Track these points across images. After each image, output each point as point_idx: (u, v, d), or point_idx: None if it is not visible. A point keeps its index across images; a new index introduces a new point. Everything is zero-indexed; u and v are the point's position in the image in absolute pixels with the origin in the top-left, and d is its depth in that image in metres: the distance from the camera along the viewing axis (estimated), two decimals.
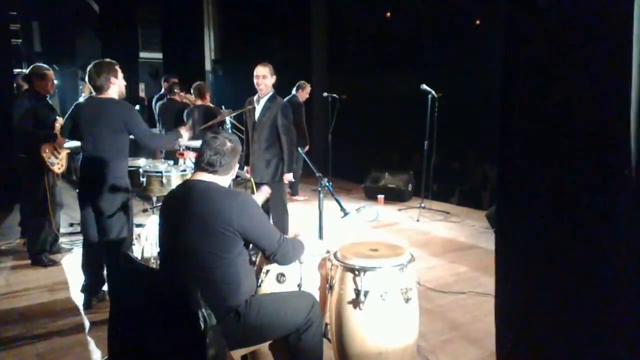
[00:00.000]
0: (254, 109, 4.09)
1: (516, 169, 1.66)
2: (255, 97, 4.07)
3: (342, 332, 2.26)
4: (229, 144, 2.07)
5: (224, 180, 2.10)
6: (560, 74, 1.48)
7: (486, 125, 6.51)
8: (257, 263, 2.40)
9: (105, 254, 3.23)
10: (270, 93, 4.05)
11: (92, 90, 3.17)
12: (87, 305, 3.34)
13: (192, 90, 5.50)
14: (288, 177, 4.16)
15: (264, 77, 3.95)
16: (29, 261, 4.24)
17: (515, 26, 1.61)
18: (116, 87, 3.17)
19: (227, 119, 4.22)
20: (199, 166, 2.07)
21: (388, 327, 2.20)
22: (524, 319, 1.69)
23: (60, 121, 4.13)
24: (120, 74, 3.21)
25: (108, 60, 3.23)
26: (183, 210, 1.97)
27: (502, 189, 1.75)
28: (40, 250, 4.21)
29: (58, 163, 4.14)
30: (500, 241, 1.80)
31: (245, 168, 4.29)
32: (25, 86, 4.21)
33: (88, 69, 3.15)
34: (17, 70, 6.47)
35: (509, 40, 1.63)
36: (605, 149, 1.37)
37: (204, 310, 1.46)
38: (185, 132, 3.42)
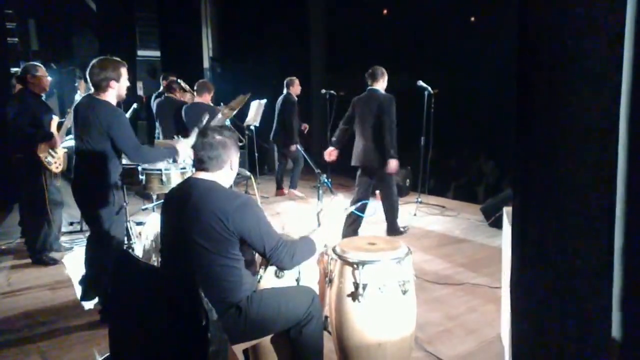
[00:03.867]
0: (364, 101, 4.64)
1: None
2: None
3: (341, 324, 2.30)
4: (217, 137, 2.03)
5: (223, 177, 2.08)
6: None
7: (481, 121, 6.58)
8: (256, 259, 2.43)
9: (90, 253, 3.22)
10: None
11: (91, 87, 3.01)
12: (84, 296, 3.35)
13: (195, 87, 5.50)
14: (392, 163, 4.55)
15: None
16: (29, 260, 4.26)
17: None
18: (115, 91, 3.00)
19: (224, 117, 4.24)
20: (195, 166, 2.09)
21: (386, 319, 2.24)
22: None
23: (56, 120, 4.13)
24: (124, 76, 3.02)
25: (115, 59, 3.02)
26: (184, 209, 1.97)
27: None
28: (41, 249, 4.23)
29: (55, 162, 4.13)
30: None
31: (330, 149, 4.74)
32: (19, 86, 4.18)
33: (92, 63, 2.97)
34: (13, 70, 6.48)
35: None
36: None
37: (205, 305, 1.48)
38: (182, 148, 3.28)
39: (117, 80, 2.98)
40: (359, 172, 4.76)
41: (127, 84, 3.09)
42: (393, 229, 4.91)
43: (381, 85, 4.66)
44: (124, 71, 3.02)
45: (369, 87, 4.67)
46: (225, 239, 1.92)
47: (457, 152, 7.13)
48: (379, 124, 4.55)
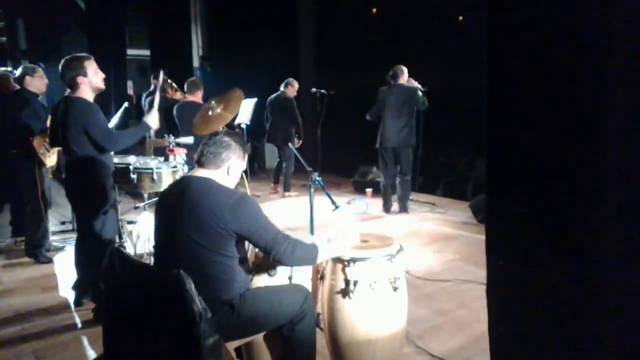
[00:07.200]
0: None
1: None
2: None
3: (333, 321, 2.32)
4: (225, 138, 2.06)
5: (219, 177, 2.06)
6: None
7: (470, 119, 6.64)
8: (248, 257, 2.44)
9: (81, 253, 3.25)
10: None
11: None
12: (78, 303, 3.34)
13: (185, 85, 5.49)
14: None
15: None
16: (21, 260, 4.27)
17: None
18: (87, 86, 2.97)
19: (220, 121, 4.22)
20: (196, 161, 2.11)
21: (377, 316, 2.26)
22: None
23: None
24: (91, 69, 2.98)
25: (79, 55, 3.01)
26: (179, 206, 1.97)
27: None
28: (37, 244, 4.26)
29: (50, 156, 4.20)
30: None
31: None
32: (16, 86, 4.26)
33: (60, 66, 2.98)
34: (2, 69, 6.43)
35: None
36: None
37: (198, 303, 1.50)
38: (151, 120, 3.19)
39: (85, 74, 2.96)
40: (387, 153, 5.63)
41: (100, 75, 3.04)
42: (405, 207, 5.74)
43: (404, 80, 5.58)
44: (88, 64, 2.98)
45: (397, 83, 5.57)
46: (221, 235, 1.92)
47: (446, 150, 7.21)
48: (411, 111, 5.51)
